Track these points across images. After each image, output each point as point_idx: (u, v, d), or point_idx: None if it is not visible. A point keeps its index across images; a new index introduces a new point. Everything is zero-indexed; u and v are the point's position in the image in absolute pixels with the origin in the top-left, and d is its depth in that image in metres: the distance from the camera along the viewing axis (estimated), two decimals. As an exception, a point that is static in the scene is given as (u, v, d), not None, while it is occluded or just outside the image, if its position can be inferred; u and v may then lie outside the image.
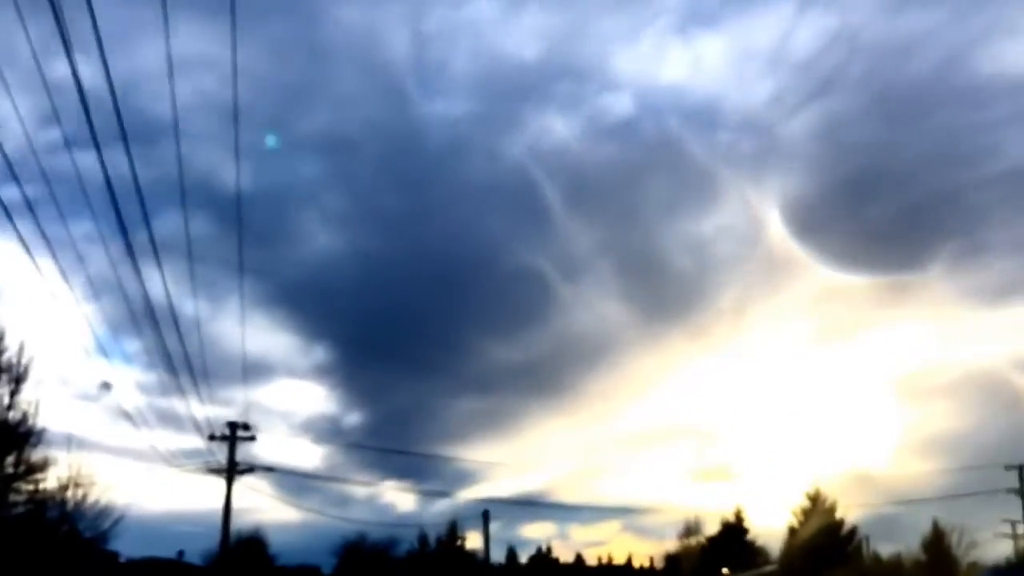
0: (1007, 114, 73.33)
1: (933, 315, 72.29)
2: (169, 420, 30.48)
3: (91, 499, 29.48)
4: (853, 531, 53.01)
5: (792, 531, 53.51)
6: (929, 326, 73.42)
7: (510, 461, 74.59)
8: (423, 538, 59.79)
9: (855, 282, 70.49)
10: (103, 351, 31.75)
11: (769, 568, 52.38)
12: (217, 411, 32.87)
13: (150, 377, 26.93)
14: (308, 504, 40.37)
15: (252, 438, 33.03)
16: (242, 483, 33.34)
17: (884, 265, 72.56)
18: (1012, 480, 43.15)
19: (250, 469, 33.15)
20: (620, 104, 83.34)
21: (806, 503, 53.52)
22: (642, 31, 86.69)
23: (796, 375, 78.04)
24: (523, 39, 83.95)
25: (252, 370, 47.46)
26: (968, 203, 71.30)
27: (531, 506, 52.42)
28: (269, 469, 33.75)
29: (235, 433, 32.84)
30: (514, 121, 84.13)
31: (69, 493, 29.04)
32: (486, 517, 42.70)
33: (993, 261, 71.30)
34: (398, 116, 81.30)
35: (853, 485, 53.61)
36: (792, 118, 79.13)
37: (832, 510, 52.84)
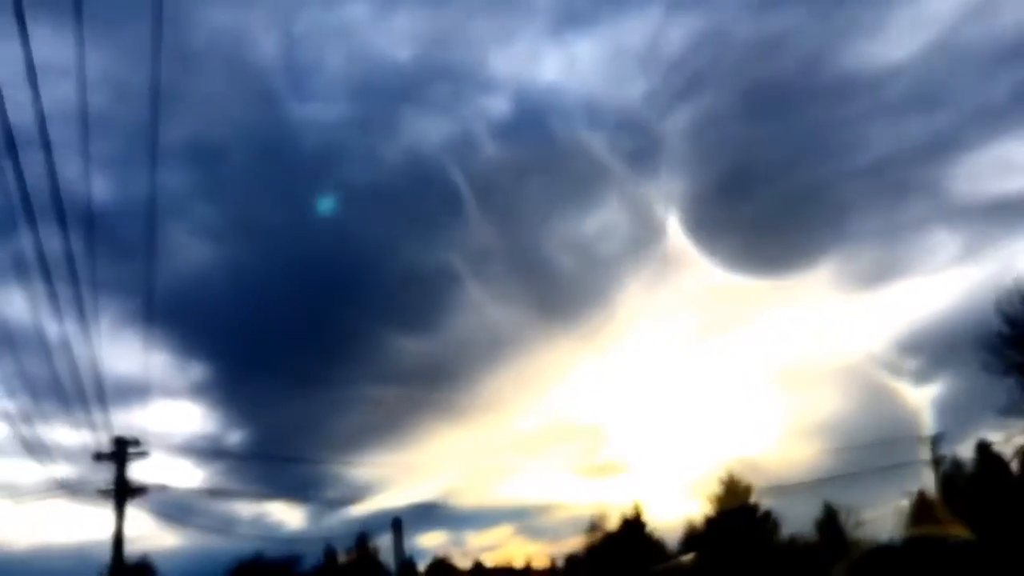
0: (869, 108, 77.27)
1: (810, 305, 75.46)
2: (36, 449, 27.99)
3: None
4: (768, 514, 53.99)
5: (708, 519, 54.10)
6: (807, 316, 76.55)
7: (402, 470, 73.42)
8: (331, 552, 57.85)
9: (735, 277, 73.70)
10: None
11: (686, 558, 53.08)
12: (92, 437, 30.64)
13: (15, 404, 24.80)
14: (197, 526, 37.99)
15: (143, 454, 31.04)
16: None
17: (762, 259, 75.75)
18: (900, 456, 44.81)
19: (142, 489, 31.09)
20: (498, 105, 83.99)
21: (718, 489, 54.29)
22: (516, 33, 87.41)
23: (682, 370, 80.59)
24: (397, 41, 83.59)
25: (125, 392, 44.63)
26: (837, 195, 75.07)
27: (425, 515, 51.45)
28: (162, 487, 31.72)
29: (124, 450, 30.79)
30: (391, 124, 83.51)
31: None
32: (397, 525, 41.50)
33: (863, 249, 74.77)
34: (270, 121, 79.45)
35: (744, 473, 55.22)
36: (666, 116, 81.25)
37: (747, 493, 53.68)
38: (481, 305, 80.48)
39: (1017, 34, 73.39)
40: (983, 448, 48.45)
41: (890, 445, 47.39)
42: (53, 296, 17.01)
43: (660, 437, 75.69)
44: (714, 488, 54.54)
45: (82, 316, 18.05)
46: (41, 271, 15.16)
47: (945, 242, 73.10)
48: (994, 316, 39.72)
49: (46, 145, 11.13)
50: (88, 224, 15.80)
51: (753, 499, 53.72)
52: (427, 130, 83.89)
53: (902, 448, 46.07)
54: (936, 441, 45.06)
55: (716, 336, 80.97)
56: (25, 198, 13.28)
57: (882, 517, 54.07)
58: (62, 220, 13.34)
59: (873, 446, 46.75)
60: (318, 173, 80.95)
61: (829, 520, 55.31)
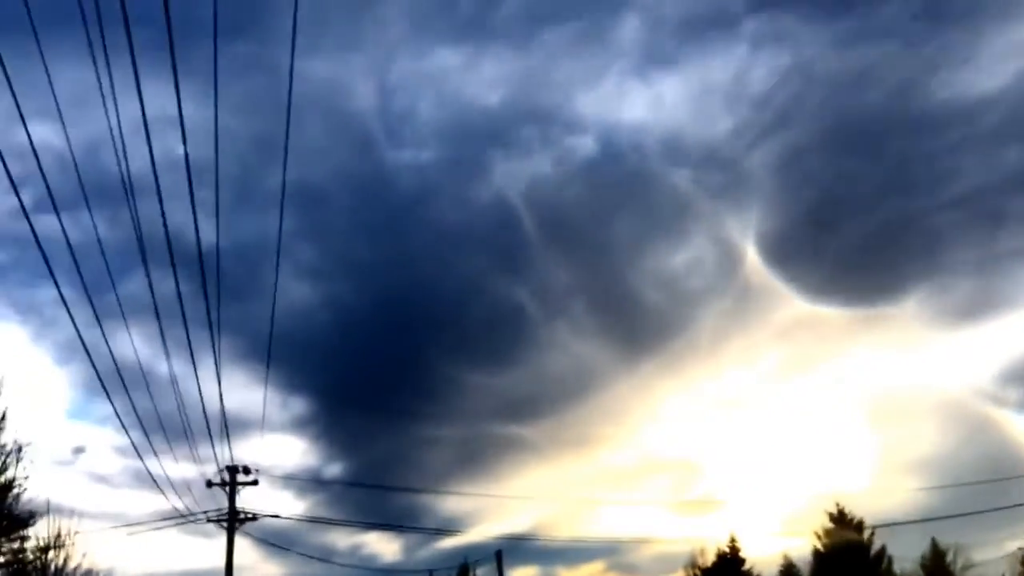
0: (960, 139, 74.77)
1: (903, 340, 73.03)
2: (149, 481, 27.60)
3: (72, 562, 27.00)
4: (882, 550, 51.16)
5: (817, 553, 51.54)
6: (900, 351, 74.06)
7: (493, 504, 72.57)
8: None
9: (825, 311, 71.88)
10: (80, 414, 29.04)
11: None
12: (198, 468, 30.14)
13: (134, 438, 24.62)
14: (297, 559, 37.31)
15: (255, 482, 30.21)
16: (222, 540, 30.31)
17: (852, 293, 73.86)
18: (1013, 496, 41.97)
19: (252, 517, 30.20)
20: (584, 145, 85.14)
21: (826, 523, 51.70)
22: (602, 72, 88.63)
23: (773, 403, 79.06)
24: (485, 86, 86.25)
25: (233, 426, 44.90)
26: (930, 227, 72.89)
27: (516, 550, 50.79)
28: (274, 516, 30.81)
29: (235, 478, 30.02)
30: (480, 166, 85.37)
31: (51, 555, 26.58)
32: (499, 557, 40.01)
33: (958, 283, 72.20)
34: (366, 166, 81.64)
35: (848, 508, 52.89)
36: (752, 152, 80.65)
37: (859, 528, 50.94)
38: (569, 342, 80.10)
39: None
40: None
41: (1002, 484, 44.97)
42: (173, 335, 16.87)
43: (753, 471, 74.06)
44: (821, 522, 52.02)
45: (191, 352, 17.55)
46: (180, 313, 14.89)
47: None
48: None
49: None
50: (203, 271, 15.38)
51: (866, 535, 51.04)
52: (515, 171, 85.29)
53: (1016, 487, 43.84)
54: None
55: (806, 370, 78.87)
56: (140, 239, 13.09)
57: (995, 561, 51.48)
58: (181, 263, 13.08)
59: (983, 484, 44.60)
60: (411, 214, 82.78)
61: (936, 561, 52.17)
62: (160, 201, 11.69)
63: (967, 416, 63.32)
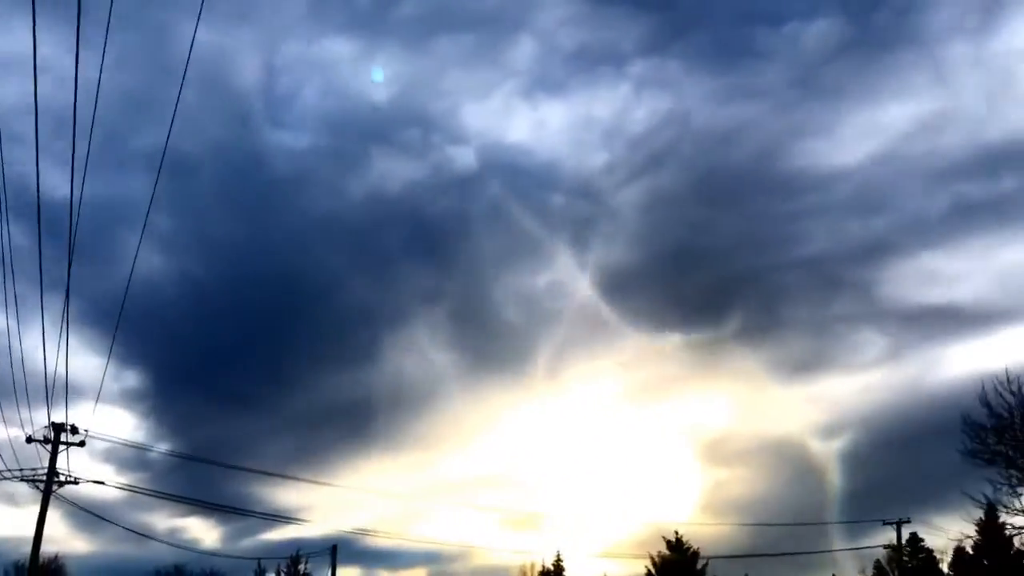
0: (813, 206, 79.86)
1: (735, 383, 76.43)
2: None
3: None
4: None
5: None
6: (731, 393, 77.53)
7: (326, 501, 70.48)
8: (261, 573, 55.07)
9: (667, 348, 74.95)
10: None
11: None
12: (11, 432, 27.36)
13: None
14: (109, 535, 34.46)
15: (81, 443, 27.49)
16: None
17: (695, 334, 77.26)
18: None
19: (74, 481, 27.45)
20: (464, 156, 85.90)
21: (662, 549, 52.44)
22: (492, 89, 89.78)
23: (607, 431, 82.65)
24: (374, 82, 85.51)
25: (57, 392, 41.54)
26: (775, 285, 77.19)
27: (342, 548, 49.81)
28: (98, 483, 28.10)
29: (59, 436, 27.21)
30: (359, 160, 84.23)
31: None
32: (334, 552, 38.31)
33: (794, 339, 76.48)
34: (241, 142, 78.84)
35: (654, 538, 54.74)
36: (623, 189, 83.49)
37: (695, 558, 51.78)
38: (423, 347, 79.59)
39: (959, 153, 77.61)
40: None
41: (818, 528, 47.87)
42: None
43: (584, 492, 75.97)
44: (657, 548, 52.92)
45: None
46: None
47: (873, 340, 74.95)
48: (978, 406, 39.13)
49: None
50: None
51: (700, 565, 52.17)
52: (393, 171, 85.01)
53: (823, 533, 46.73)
54: (900, 527, 44.49)
55: (647, 402, 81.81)
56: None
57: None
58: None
59: (799, 527, 47.37)
60: (280, 198, 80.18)
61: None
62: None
63: (791, 462, 66.33)
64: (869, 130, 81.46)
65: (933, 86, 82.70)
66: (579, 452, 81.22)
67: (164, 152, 13.51)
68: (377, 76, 74.41)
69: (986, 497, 40.12)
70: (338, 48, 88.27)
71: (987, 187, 76.28)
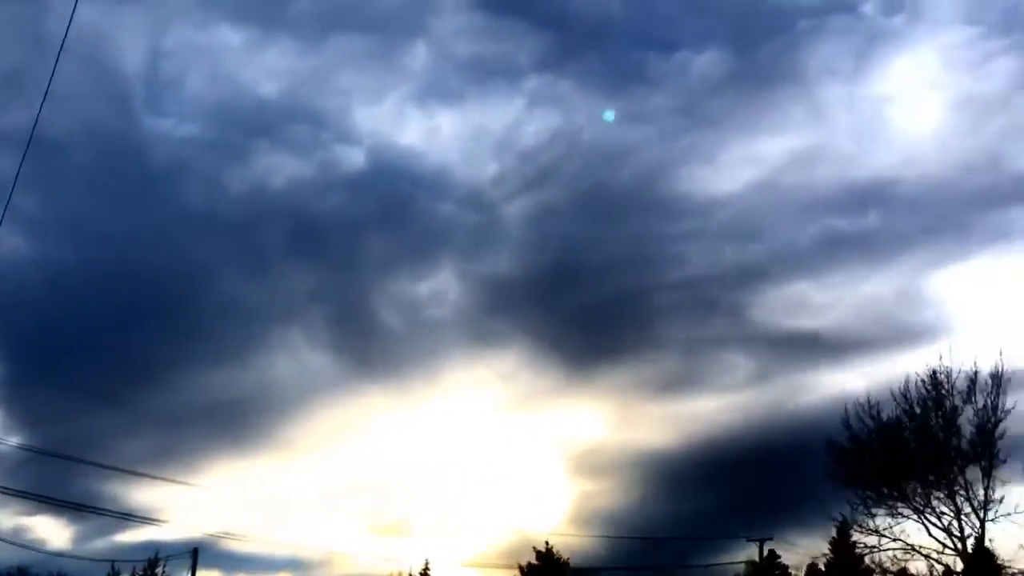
0: (692, 230, 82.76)
1: (609, 398, 78.17)
2: None
3: None
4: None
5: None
6: (604, 408, 79.11)
7: (187, 502, 67.40)
8: (115, 575, 51.93)
9: (545, 361, 75.42)
10: None
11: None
12: None
13: None
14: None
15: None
16: None
17: (572, 348, 78.22)
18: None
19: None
20: (353, 157, 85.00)
21: (532, 559, 52.54)
22: (384, 92, 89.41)
23: (481, 440, 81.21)
24: (264, 75, 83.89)
25: None
26: (652, 304, 79.53)
27: (202, 552, 48.02)
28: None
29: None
30: (243, 153, 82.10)
31: None
32: (195, 555, 36.62)
33: (667, 358, 78.57)
34: (118, 126, 75.48)
35: (523, 547, 55.22)
36: (510, 201, 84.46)
37: (564, 568, 52.08)
38: (300, 349, 77.72)
39: (829, 188, 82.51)
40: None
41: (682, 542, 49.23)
42: None
43: (456, 502, 74.88)
44: (528, 558, 53.09)
45: None
46: None
47: (742, 363, 77.69)
48: (840, 429, 40.99)
49: None
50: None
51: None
52: (277, 167, 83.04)
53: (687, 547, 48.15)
54: (763, 545, 46.09)
55: (520, 414, 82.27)
56: None
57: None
58: None
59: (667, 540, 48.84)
60: (156, 187, 77.07)
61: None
62: None
63: (659, 477, 67.87)
64: (748, 160, 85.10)
65: (809, 122, 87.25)
66: (452, 460, 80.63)
67: (32, 131, 12.47)
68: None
69: (844, 516, 42.13)
70: (229, 37, 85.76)
71: (854, 222, 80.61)
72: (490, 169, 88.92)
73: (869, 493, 40.22)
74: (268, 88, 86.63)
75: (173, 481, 56.51)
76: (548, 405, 79.41)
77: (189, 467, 71.41)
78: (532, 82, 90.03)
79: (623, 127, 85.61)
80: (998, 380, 37.67)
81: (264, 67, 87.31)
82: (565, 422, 78.54)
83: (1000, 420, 37.40)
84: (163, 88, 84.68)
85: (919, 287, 78.86)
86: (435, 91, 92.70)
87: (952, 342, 41.65)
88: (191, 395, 72.35)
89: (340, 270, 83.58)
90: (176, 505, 58.58)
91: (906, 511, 39.20)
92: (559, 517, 73.68)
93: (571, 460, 76.60)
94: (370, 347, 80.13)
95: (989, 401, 37.79)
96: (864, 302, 75.51)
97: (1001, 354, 38.12)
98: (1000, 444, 37.33)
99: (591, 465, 75.69)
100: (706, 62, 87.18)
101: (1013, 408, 37.35)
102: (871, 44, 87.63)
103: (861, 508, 40.33)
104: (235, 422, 73.04)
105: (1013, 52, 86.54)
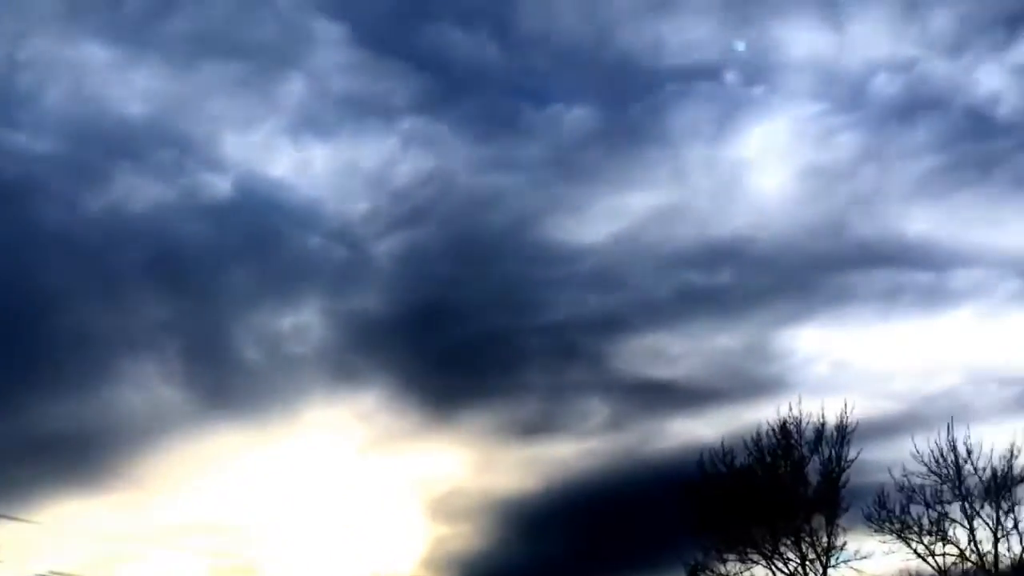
0: (559, 277, 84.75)
1: (469, 441, 78.13)
2: None
3: None
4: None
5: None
6: (464, 451, 79.04)
7: (21, 539, 62.67)
8: None
9: (408, 402, 75.49)
10: None
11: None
12: None
13: None
14: None
15: None
16: None
17: (435, 390, 78.05)
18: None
19: None
20: (220, 185, 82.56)
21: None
22: (256, 121, 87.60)
23: (338, 480, 79.65)
24: (130, 94, 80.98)
25: None
26: (517, 348, 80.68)
27: None
28: None
29: None
30: (102, 174, 78.43)
31: None
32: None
33: (529, 400, 79.55)
34: None
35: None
36: (380, 239, 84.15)
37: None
38: (152, 381, 73.59)
39: (687, 244, 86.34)
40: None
41: None
42: None
43: (306, 543, 72.58)
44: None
45: None
46: None
47: (599, 409, 79.44)
48: (694, 475, 42.17)
49: None
50: None
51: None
52: (138, 191, 79.34)
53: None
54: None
55: (380, 454, 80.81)
56: None
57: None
58: None
59: None
60: (6, 204, 72.47)
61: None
62: None
63: (513, 521, 67.94)
64: (613, 213, 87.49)
65: (672, 181, 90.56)
66: (306, 501, 78.26)
67: None
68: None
69: (695, 561, 43.13)
70: (94, 53, 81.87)
71: (708, 277, 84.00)
72: (361, 206, 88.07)
73: (721, 539, 41.54)
74: (134, 109, 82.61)
75: (5, 517, 52.60)
76: (408, 446, 78.49)
77: (26, 501, 66.26)
78: (408, 122, 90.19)
79: (496, 173, 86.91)
80: (843, 431, 39.71)
81: (131, 87, 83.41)
82: (424, 464, 77.88)
83: (844, 470, 39.46)
84: (17, 100, 79.79)
85: (766, 342, 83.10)
86: (309, 124, 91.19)
87: (797, 395, 44.36)
88: (30, 426, 67.39)
89: (199, 300, 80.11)
90: (9, 542, 54.42)
91: (755, 556, 40.75)
92: (414, 561, 72.63)
93: (429, 503, 75.77)
94: (227, 382, 77.00)
95: (834, 452, 39.81)
96: (714, 354, 78.70)
97: (845, 406, 40.19)
98: (843, 492, 39.39)
99: (449, 508, 75.04)
100: (577, 117, 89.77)
101: (856, 458, 39.55)
102: (732, 111, 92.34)
103: (713, 553, 41.67)
104: (78, 457, 68.09)
105: (857, 128, 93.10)
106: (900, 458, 38.19)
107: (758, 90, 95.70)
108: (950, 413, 38.45)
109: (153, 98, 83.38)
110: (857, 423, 39.83)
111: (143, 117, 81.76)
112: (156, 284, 76.88)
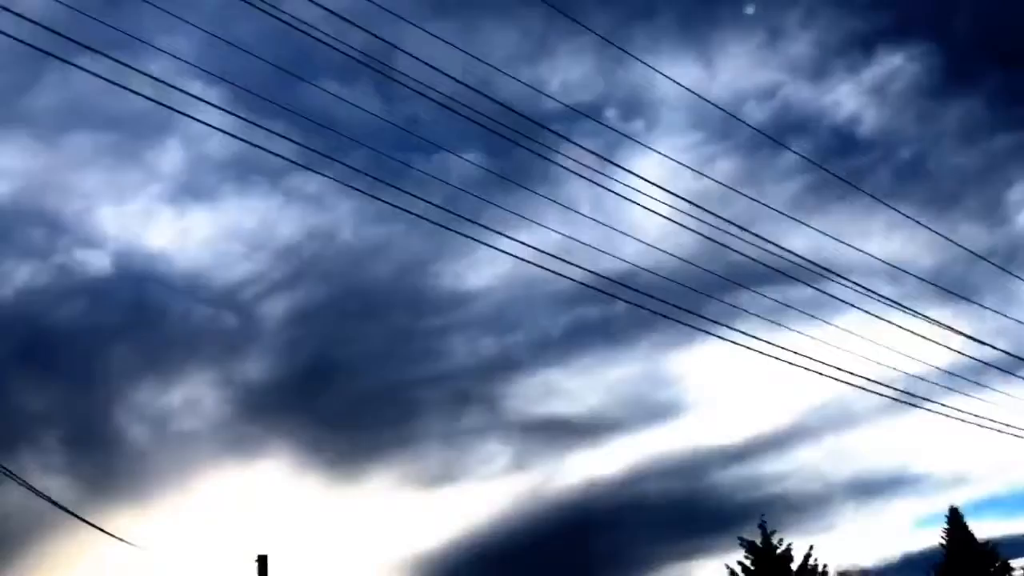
0: (452, 323, 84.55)
1: (374, 499, 77.03)
2: None
3: None
4: None
5: None
6: (370, 509, 77.86)
7: None
8: None
9: (308, 467, 73.61)
10: None
11: None
12: None
13: None
14: None
15: None
16: None
17: (336, 450, 77.01)
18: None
19: None
20: (97, 261, 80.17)
21: None
22: (131, 192, 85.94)
23: (249, 554, 76.56)
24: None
25: None
26: (413, 399, 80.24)
27: None
28: None
29: None
30: None
31: None
32: None
33: (428, 452, 79.14)
34: None
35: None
36: (266, 300, 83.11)
37: None
38: (31, 474, 69.44)
39: (579, 280, 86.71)
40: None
41: None
42: None
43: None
44: None
45: None
46: None
47: (499, 452, 79.56)
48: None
49: None
50: None
51: None
52: (9, 274, 75.90)
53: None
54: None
55: (284, 525, 78.75)
56: None
57: None
58: None
59: None
60: None
61: None
62: None
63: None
64: (496, 256, 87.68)
65: (561, 220, 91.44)
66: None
67: None
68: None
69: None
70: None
71: (600, 310, 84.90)
72: (245, 268, 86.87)
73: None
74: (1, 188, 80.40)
75: None
76: (311, 512, 76.90)
77: None
78: (290, 180, 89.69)
79: (381, 224, 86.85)
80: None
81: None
82: (327, 527, 76.25)
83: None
84: None
85: (657, 368, 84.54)
86: (187, 190, 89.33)
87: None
88: None
89: (78, 384, 77.24)
90: None
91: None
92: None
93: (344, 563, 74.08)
94: (112, 465, 74.15)
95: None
96: (609, 386, 79.50)
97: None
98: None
99: (362, 567, 73.55)
100: (462, 164, 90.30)
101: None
102: (614, 146, 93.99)
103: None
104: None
105: (730, 155, 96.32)
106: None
107: (637, 124, 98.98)
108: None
109: (19, 176, 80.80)
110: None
111: (9, 197, 78.95)
112: (29, 373, 73.92)
